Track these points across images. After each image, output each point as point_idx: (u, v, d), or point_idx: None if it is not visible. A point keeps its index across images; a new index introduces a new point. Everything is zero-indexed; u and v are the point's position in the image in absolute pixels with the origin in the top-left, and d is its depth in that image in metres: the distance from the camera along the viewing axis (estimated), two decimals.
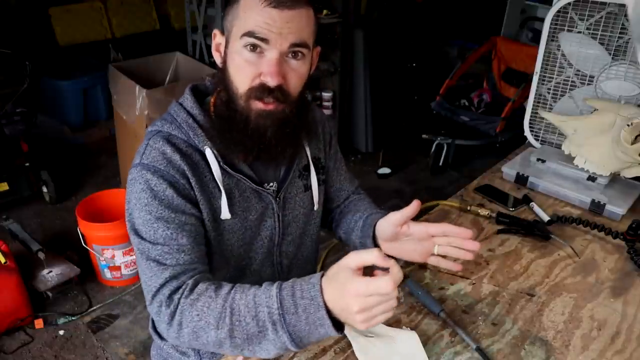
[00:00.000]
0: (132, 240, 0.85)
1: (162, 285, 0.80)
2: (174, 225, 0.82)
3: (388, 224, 0.92)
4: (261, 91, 0.81)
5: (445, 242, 0.88)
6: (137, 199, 0.83)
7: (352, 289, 0.67)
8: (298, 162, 0.99)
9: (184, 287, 0.79)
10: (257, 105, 0.83)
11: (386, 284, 0.66)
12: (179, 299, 0.78)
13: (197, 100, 0.92)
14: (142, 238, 0.83)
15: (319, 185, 1.03)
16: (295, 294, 0.72)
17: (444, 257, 0.90)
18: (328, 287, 0.70)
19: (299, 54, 0.82)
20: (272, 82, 0.80)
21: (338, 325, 0.71)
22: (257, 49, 0.80)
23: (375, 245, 0.98)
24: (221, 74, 0.87)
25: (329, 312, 0.70)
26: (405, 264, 1.08)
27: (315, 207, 1.04)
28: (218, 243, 0.93)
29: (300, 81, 0.85)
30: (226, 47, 0.85)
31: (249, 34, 0.79)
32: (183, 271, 0.81)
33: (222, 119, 0.87)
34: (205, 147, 0.87)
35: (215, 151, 0.87)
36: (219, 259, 0.95)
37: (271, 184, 0.96)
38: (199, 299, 0.77)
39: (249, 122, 0.84)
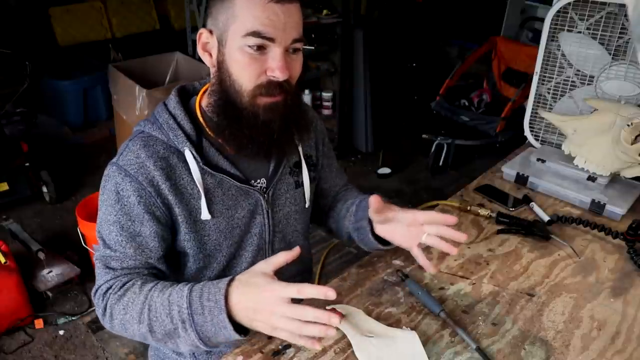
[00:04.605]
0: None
1: (103, 284, 0.88)
2: (127, 233, 0.86)
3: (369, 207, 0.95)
4: (270, 87, 0.84)
5: (434, 231, 0.88)
6: (105, 197, 0.88)
7: (269, 288, 0.73)
8: (288, 159, 1.00)
9: (117, 283, 0.86)
10: (264, 99, 0.85)
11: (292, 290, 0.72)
12: (110, 294, 0.86)
13: (183, 101, 0.93)
14: (100, 235, 0.89)
15: (310, 182, 1.04)
16: (203, 295, 0.77)
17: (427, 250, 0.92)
18: (236, 292, 0.75)
19: (297, 47, 0.85)
20: (281, 77, 0.82)
21: (242, 329, 0.76)
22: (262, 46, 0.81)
23: (371, 227, 0.98)
24: (219, 74, 0.87)
25: (231, 316, 0.75)
26: (404, 264, 1.08)
27: (307, 205, 1.05)
28: (201, 242, 0.93)
29: (299, 72, 0.88)
30: (221, 46, 0.84)
31: (255, 34, 0.80)
32: (124, 274, 0.88)
33: (228, 119, 0.87)
34: (184, 148, 0.87)
35: (194, 152, 0.87)
36: (204, 258, 0.95)
37: (259, 180, 0.96)
38: (125, 295, 0.84)
39: (257, 117, 0.86)
